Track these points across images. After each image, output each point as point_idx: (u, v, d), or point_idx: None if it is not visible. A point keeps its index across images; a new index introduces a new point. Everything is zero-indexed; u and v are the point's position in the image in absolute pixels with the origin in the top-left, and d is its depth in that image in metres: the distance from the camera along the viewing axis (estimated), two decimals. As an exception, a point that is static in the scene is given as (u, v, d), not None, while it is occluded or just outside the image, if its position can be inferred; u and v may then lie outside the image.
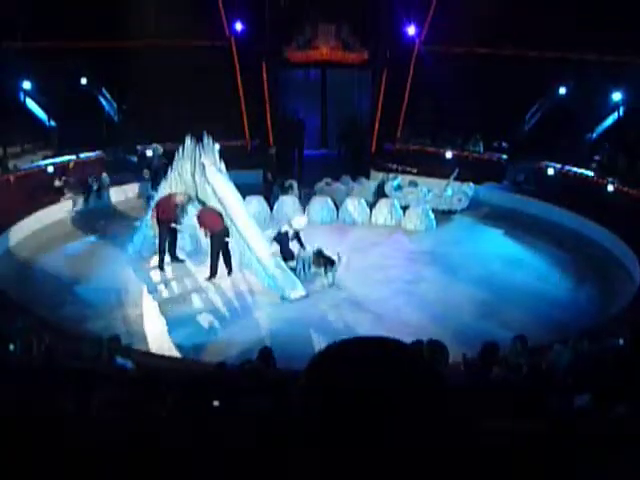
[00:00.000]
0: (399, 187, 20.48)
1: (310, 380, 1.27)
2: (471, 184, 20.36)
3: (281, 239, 15.65)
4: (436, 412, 1.23)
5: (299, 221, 16.28)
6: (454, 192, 19.97)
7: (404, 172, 21.78)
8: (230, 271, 15.55)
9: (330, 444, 1.19)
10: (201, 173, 15.52)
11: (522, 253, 17.27)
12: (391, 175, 21.28)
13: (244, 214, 15.62)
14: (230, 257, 15.52)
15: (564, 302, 14.56)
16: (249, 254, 15.04)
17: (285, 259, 15.26)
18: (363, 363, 1.25)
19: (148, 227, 16.49)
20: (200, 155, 15.63)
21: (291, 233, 15.76)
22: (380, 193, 20.26)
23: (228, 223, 15.23)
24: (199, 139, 15.73)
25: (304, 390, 1.26)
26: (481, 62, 21.75)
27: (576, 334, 11.27)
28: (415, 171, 21.72)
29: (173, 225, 16.04)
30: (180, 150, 15.92)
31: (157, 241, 16.11)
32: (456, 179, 20.20)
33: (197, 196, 15.74)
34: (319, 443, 1.20)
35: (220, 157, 16.10)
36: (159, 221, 15.97)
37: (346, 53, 24.09)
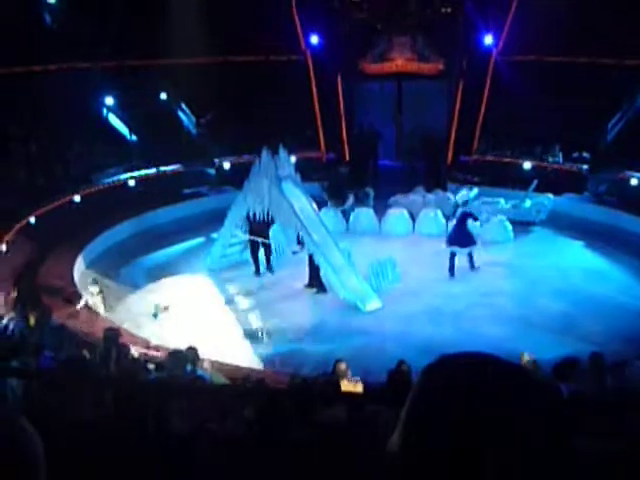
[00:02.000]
0: (476, 198, 20.20)
1: (425, 403, 1.22)
2: (550, 195, 19.94)
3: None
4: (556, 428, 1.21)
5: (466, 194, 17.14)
6: (533, 204, 19.61)
7: (480, 184, 21.49)
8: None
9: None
10: (277, 186, 15.69)
11: (603, 265, 16.80)
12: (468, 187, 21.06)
13: (320, 226, 15.71)
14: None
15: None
16: (325, 266, 15.11)
17: None
18: (477, 378, 1.21)
19: (226, 239, 16.81)
20: (276, 168, 15.81)
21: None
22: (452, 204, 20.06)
23: (304, 235, 15.34)
24: (275, 152, 15.91)
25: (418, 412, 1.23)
26: (559, 71, 21.31)
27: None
28: (491, 182, 21.43)
29: (263, 240, 16.39)
30: (256, 163, 16.13)
31: (250, 254, 16.71)
32: (535, 190, 19.83)
33: (268, 210, 15.93)
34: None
35: (296, 170, 16.26)
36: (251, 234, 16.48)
37: (421, 64, 24.00)
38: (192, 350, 8.71)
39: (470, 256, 16.38)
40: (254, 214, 16.17)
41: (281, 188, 15.67)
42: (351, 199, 19.94)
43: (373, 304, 14.65)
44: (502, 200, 19.90)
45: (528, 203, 19.60)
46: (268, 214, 15.96)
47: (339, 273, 15.00)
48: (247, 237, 16.69)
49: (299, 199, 15.80)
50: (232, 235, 16.93)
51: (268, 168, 15.84)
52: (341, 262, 15.16)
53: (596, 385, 7.20)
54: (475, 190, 20.31)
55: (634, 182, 19.75)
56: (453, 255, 16.22)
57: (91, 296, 14.36)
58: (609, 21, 19.89)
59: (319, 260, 15.19)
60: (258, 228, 16.30)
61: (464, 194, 17.24)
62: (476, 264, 16.42)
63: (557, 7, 20.73)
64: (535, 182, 19.85)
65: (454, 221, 16.64)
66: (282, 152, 15.99)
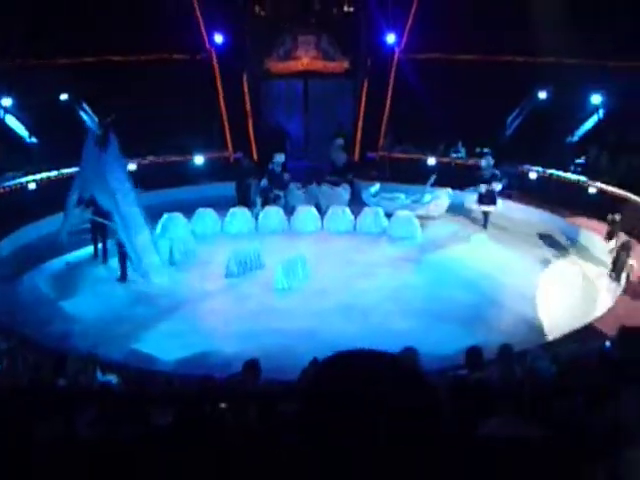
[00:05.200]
0: (376, 194, 20.61)
1: (307, 395, 1.26)
2: (449, 190, 20.46)
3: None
4: (429, 420, 1.23)
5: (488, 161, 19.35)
6: (432, 198, 20.05)
7: (386, 179, 21.89)
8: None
9: (327, 451, 1.18)
10: (99, 166, 16.23)
11: (507, 256, 17.27)
12: (370, 182, 21.45)
13: (134, 206, 16.10)
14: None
15: (551, 305, 14.63)
16: (127, 244, 15.82)
17: None
18: (360, 377, 1.24)
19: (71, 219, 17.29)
20: (100, 150, 16.35)
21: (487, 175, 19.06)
22: (357, 200, 20.46)
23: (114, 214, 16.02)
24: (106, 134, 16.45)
25: (302, 403, 1.26)
26: (460, 69, 21.83)
27: (559, 337, 11.40)
28: (395, 178, 21.85)
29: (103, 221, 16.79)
30: (85, 145, 16.80)
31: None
32: (434, 185, 20.32)
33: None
34: (315, 450, 1.19)
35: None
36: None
37: (326, 63, 24.17)
38: (93, 356, 8.48)
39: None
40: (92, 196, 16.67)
41: (104, 169, 16.02)
42: (259, 200, 20.01)
43: (160, 279, 15.64)
44: (402, 195, 20.28)
45: (427, 198, 20.02)
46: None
47: (140, 251, 15.71)
48: (90, 218, 17.03)
49: (118, 180, 16.09)
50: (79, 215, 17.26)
51: (94, 151, 16.33)
52: (145, 242, 15.85)
53: (505, 374, 7.41)
54: (377, 185, 20.70)
55: (533, 175, 20.44)
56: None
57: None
58: (508, 19, 20.49)
59: (122, 237, 15.80)
60: (100, 210, 16.58)
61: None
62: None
63: (457, 6, 21.26)
64: (434, 177, 20.39)
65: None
66: (111, 134, 16.42)
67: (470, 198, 19.68)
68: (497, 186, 19.32)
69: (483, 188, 19.31)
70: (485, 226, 19.34)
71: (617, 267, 15.42)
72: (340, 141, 22.86)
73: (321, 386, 1.26)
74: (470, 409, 4.92)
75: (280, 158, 20.99)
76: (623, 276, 15.19)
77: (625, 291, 14.63)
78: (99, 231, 17.06)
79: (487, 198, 19.28)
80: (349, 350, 1.32)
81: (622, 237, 16.18)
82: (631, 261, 15.23)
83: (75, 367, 7.89)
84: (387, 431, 1.17)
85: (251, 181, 20.70)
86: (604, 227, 17.01)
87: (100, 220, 16.65)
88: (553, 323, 13.78)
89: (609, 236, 16.58)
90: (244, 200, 20.32)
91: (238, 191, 20.61)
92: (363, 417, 1.18)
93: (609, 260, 15.97)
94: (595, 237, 17.44)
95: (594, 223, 17.93)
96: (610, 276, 15.61)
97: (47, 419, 4.98)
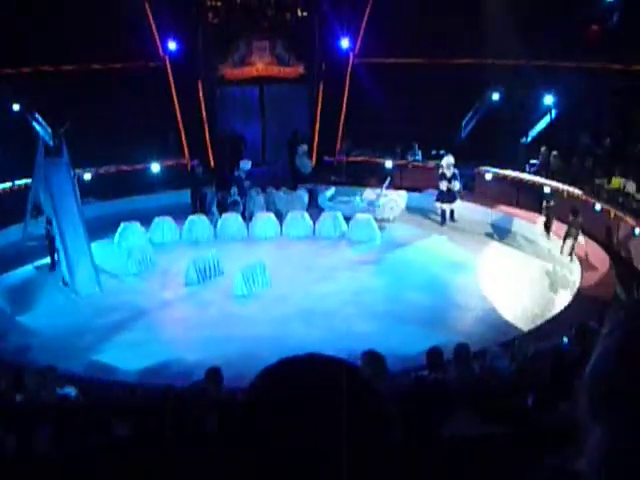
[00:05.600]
0: (332, 198, 20.72)
1: (248, 401, 1.27)
2: (403, 192, 20.64)
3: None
4: (373, 427, 1.24)
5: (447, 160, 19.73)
6: (386, 201, 20.19)
7: (343, 183, 22.02)
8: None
9: (264, 456, 1.19)
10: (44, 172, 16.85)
11: (463, 256, 17.43)
12: (325, 186, 21.59)
13: (73, 214, 16.53)
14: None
15: (508, 304, 14.82)
16: (61, 251, 16.23)
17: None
18: (297, 382, 1.25)
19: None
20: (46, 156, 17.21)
21: (448, 173, 19.49)
22: (314, 204, 20.56)
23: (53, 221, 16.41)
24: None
25: (242, 412, 1.27)
26: (415, 72, 21.97)
27: (517, 335, 11.58)
28: (352, 182, 22.00)
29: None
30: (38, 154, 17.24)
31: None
32: (389, 187, 20.50)
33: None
34: (251, 455, 1.20)
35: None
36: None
37: (281, 68, 24.18)
38: (51, 370, 8.35)
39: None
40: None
41: (49, 176, 16.64)
42: (215, 209, 19.98)
43: (89, 290, 15.76)
44: (358, 198, 20.42)
45: (382, 200, 20.16)
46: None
47: (72, 259, 15.96)
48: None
49: (63, 187, 16.63)
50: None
51: (43, 160, 17.04)
52: (80, 249, 16.13)
53: (462, 373, 7.48)
54: (332, 189, 20.84)
55: (488, 176, 20.69)
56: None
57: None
58: (460, 21, 20.72)
59: (58, 245, 16.23)
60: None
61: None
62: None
63: (410, 10, 21.43)
64: (388, 180, 20.58)
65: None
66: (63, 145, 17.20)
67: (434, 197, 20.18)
68: (456, 185, 19.66)
69: (444, 186, 19.60)
70: (442, 223, 19.77)
71: (566, 241, 16.63)
72: (304, 147, 22.89)
73: (262, 392, 1.27)
74: (432, 410, 4.97)
75: (246, 165, 20.95)
76: (568, 244, 16.38)
77: (579, 289, 14.89)
78: (54, 240, 16.83)
79: (447, 196, 19.69)
80: (294, 356, 1.33)
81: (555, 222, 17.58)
82: (580, 237, 16.35)
83: (34, 381, 7.77)
84: (329, 438, 1.18)
85: (206, 190, 20.63)
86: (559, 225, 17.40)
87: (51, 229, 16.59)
88: (512, 321, 13.97)
89: (547, 223, 17.89)
90: (200, 209, 20.24)
91: (193, 200, 20.52)
92: (304, 424, 1.19)
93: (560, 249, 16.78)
94: (553, 236, 17.73)
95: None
96: (561, 251, 16.71)
97: (6, 434, 4.92)
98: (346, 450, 1.16)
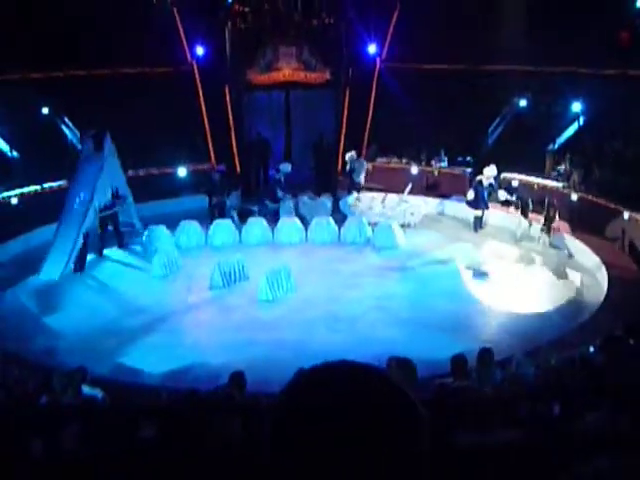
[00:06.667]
0: (355, 203, 20.74)
1: (281, 408, 1.28)
2: (426, 198, 20.60)
3: (476, 187, 19.54)
4: (408, 435, 1.24)
5: (490, 171, 19.63)
6: (407, 207, 20.16)
7: (369, 189, 21.98)
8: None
9: (298, 469, 1.20)
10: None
11: (490, 264, 17.30)
12: (350, 192, 21.57)
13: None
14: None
15: (534, 311, 14.71)
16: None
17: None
18: (332, 389, 1.26)
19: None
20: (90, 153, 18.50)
21: (486, 183, 19.45)
22: (336, 210, 20.56)
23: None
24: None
25: (275, 418, 1.27)
26: (442, 78, 21.96)
27: (543, 344, 11.47)
28: (380, 187, 21.91)
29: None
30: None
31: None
32: (410, 193, 20.48)
33: None
34: (287, 467, 1.21)
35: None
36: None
37: (308, 73, 24.23)
38: (80, 371, 8.43)
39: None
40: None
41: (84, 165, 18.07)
42: (235, 214, 20.02)
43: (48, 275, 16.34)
44: (380, 204, 20.44)
45: (403, 206, 20.12)
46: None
47: (56, 243, 16.87)
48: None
49: (84, 177, 18.00)
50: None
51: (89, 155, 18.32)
52: (67, 237, 16.91)
53: (484, 380, 7.45)
54: (354, 195, 20.86)
55: (515, 183, 20.56)
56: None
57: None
58: (488, 28, 20.66)
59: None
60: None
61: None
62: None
63: (438, 16, 21.40)
64: (410, 186, 20.52)
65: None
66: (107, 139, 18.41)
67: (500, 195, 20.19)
68: (501, 194, 19.86)
69: (474, 195, 19.68)
70: (475, 230, 19.79)
71: (547, 221, 18.16)
72: (354, 154, 22.35)
73: (296, 398, 1.27)
74: (453, 417, 4.96)
75: (286, 167, 21.00)
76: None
77: (606, 298, 14.75)
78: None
79: (479, 203, 19.85)
80: (328, 362, 1.33)
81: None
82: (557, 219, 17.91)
83: (62, 383, 7.84)
84: (362, 445, 1.19)
85: (225, 197, 20.60)
86: (592, 238, 17.42)
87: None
88: (537, 330, 13.84)
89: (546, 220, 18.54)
90: (218, 216, 20.14)
91: (210, 207, 20.47)
92: (338, 431, 1.19)
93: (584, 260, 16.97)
94: (581, 246, 17.56)
95: (579, 231, 18.11)
96: (542, 230, 18.22)
97: (33, 436, 4.98)
98: (384, 457, 1.17)
